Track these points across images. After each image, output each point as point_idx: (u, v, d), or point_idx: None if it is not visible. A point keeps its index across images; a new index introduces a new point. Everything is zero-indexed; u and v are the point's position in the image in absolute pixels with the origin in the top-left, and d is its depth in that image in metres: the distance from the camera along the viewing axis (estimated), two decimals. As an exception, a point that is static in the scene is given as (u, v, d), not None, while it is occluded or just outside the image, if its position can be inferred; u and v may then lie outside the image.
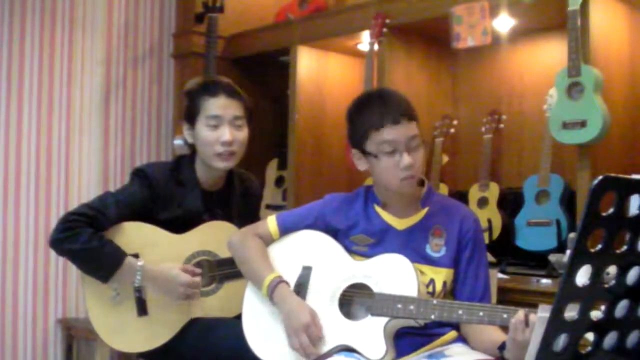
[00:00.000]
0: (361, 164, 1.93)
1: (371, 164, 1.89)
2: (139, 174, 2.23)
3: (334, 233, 1.97)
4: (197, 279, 2.16)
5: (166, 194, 2.21)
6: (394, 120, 1.82)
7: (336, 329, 1.83)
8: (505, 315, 1.61)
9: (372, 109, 1.86)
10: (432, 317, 1.71)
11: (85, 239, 2.06)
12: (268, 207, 3.66)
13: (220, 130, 2.19)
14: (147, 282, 2.13)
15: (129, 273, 2.11)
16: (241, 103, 2.25)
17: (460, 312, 1.68)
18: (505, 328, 1.65)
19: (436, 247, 1.89)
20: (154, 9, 3.87)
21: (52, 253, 3.39)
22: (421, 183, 1.96)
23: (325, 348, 1.82)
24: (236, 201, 2.36)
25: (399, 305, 1.73)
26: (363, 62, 3.12)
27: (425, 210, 1.92)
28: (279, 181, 3.72)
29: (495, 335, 1.76)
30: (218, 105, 2.21)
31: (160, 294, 2.15)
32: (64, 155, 3.54)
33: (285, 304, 1.87)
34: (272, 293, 1.89)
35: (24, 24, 3.43)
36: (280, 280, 1.90)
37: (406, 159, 1.82)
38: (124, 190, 2.24)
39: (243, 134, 2.25)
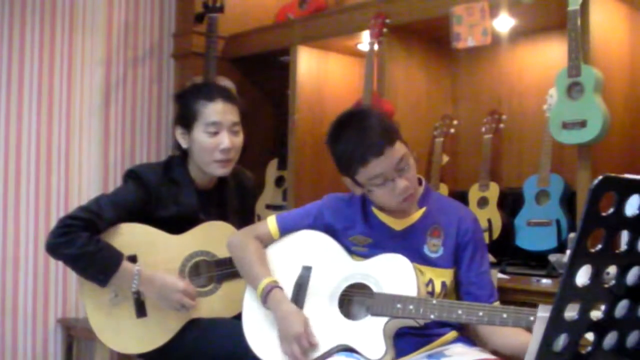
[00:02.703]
0: (356, 190, 1.91)
1: (366, 192, 1.88)
2: (132, 175, 2.23)
3: (333, 233, 1.97)
4: (194, 291, 2.17)
5: (161, 193, 2.21)
6: (377, 153, 1.76)
7: (336, 328, 1.83)
8: (504, 315, 1.61)
9: (351, 141, 1.80)
10: (432, 316, 1.71)
11: (82, 243, 2.06)
12: (268, 207, 3.65)
13: (220, 137, 2.20)
14: (143, 287, 2.14)
15: (125, 278, 2.11)
16: (237, 107, 2.27)
17: (459, 311, 1.67)
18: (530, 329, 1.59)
19: (434, 248, 1.88)
20: (154, 9, 3.86)
21: (52, 253, 3.44)
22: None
23: (325, 348, 1.82)
24: (231, 198, 2.37)
25: (399, 305, 1.73)
26: (363, 62, 3.11)
27: (423, 210, 1.92)
28: (279, 181, 3.71)
29: (522, 336, 1.68)
30: (217, 111, 2.21)
31: (157, 299, 2.15)
32: (64, 155, 3.54)
33: (278, 310, 1.86)
34: (265, 298, 1.88)
35: (24, 24, 3.43)
36: (274, 286, 1.89)
37: (400, 184, 1.80)
38: (118, 191, 2.24)
39: (240, 139, 2.27)
